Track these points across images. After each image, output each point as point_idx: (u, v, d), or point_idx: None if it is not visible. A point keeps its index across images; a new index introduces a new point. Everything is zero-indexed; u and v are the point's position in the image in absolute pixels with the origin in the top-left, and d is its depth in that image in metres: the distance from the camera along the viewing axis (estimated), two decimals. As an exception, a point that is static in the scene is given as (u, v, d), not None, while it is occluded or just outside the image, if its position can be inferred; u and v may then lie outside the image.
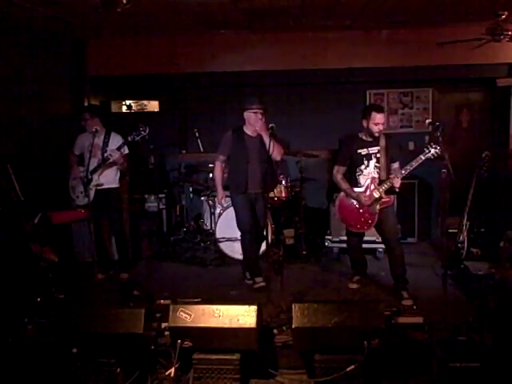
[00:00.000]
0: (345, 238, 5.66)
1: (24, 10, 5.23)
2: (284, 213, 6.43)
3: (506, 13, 5.40)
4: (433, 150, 4.44)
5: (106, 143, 5.47)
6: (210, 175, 6.53)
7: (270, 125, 4.75)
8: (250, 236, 5.10)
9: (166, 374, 3.62)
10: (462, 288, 4.89)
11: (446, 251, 4.57)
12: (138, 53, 7.22)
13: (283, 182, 6.16)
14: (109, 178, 5.51)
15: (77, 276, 5.37)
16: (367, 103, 7.80)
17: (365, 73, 7.27)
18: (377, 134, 4.71)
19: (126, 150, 5.46)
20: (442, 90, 7.96)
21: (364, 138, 4.81)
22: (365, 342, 3.35)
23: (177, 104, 7.98)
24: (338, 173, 4.90)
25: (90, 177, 5.30)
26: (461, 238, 5.51)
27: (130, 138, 5.30)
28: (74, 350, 3.50)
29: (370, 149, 4.77)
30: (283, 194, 6.15)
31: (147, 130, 5.23)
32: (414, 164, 4.58)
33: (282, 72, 7.31)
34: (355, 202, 4.82)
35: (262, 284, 5.06)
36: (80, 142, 5.60)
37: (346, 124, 7.44)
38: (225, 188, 5.29)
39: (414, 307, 4.22)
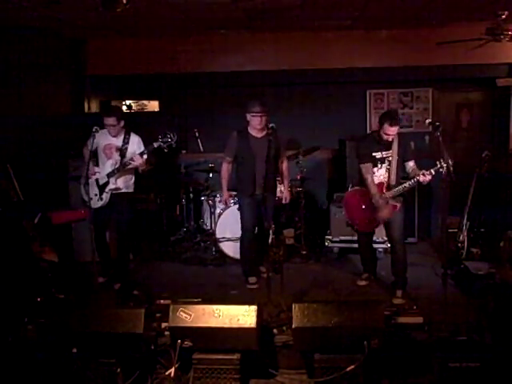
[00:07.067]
0: (345, 237, 5.67)
1: (24, 9, 5.22)
2: (284, 213, 6.43)
3: (506, 13, 5.40)
4: (445, 167, 4.25)
5: (125, 144, 5.14)
6: (210, 175, 6.56)
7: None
8: (250, 235, 5.17)
9: (166, 374, 3.62)
10: (461, 288, 4.89)
11: (446, 251, 4.56)
12: (138, 53, 7.22)
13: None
14: (126, 183, 5.22)
15: (77, 276, 5.36)
16: (367, 103, 7.81)
17: (365, 73, 7.27)
18: (386, 142, 4.73)
19: (146, 155, 5.06)
20: (442, 89, 7.96)
21: (379, 140, 4.74)
22: (365, 342, 3.36)
23: (177, 104, 7.98)
24: (368, 173, 4.74)
25: (106, 179, 5.07)
26: (461, 237, 5.51)
27: (155, 145, 4.92)
28: (74, 350, 3.51)
29: (383, 152, 4.75)
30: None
31: (175, 138, 4.91)
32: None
33: (282, 72, 7.31)
34: (362, 204, 4.81)
35: (254, 286, 5.11)
36: (97, 139, 4.94)
37: (345, 124, 7.48)
38: (232, 189, 5.44)
39: (414, 307, 4.23)
